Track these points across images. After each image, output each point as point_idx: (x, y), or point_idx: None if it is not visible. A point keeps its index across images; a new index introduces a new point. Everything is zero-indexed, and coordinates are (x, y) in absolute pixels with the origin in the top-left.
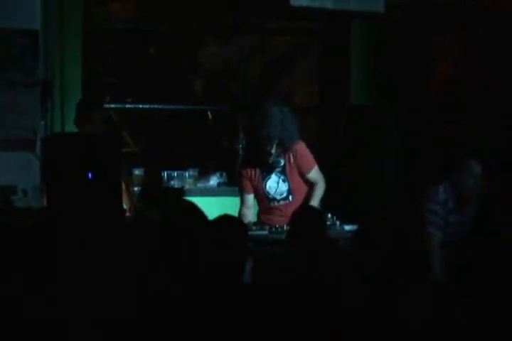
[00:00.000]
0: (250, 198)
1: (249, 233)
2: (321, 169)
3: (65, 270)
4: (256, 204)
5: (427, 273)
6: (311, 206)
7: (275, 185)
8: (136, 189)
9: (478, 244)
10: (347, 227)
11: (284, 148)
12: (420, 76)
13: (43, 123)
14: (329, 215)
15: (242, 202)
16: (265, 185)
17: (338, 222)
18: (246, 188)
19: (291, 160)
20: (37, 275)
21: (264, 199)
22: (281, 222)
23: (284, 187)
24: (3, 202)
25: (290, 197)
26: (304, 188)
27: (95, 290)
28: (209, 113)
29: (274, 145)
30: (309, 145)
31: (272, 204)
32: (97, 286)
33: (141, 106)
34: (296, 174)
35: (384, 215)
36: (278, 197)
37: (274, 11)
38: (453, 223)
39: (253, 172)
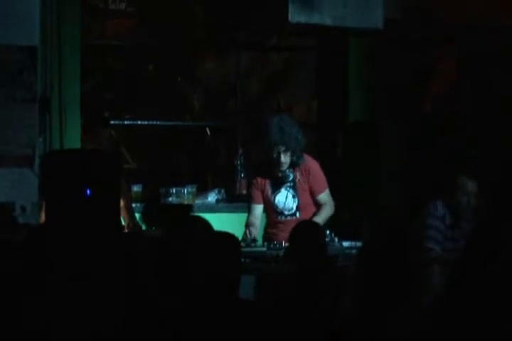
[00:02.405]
0: (259, 208)
1: (248, 249)
2: None
3: (62, 286)
4: (264, 217)
5: (423, 289)
6: (311, 221)
7: (284, 199)
8: (134, 205)
9: (474, 260)
10: (345, 244)
11: (294, 154)
12: (419, 89)
13: (41, 139)
14: (327, 232)
15: (250, 212)
16: (274, 199)
17: (336, 239)
18: (256, 198)
19: (303, 177)
20: (28, 293)
21: (272, 212)
22: (285, 237)
23: (292, 202)
24: (3, 218)
25: (298, 214)
26: (312, 207)
27: (92, 304)
28: (207, 129)
29: (282, 152)
30: None
31: (279, 218)
32: (93, 301)
33: (139, 122)
34: (306, 192)
35: (385, 231)
36: (286, 212)
37: (272, 28)
38: (450, 239)
39: (264, 183)
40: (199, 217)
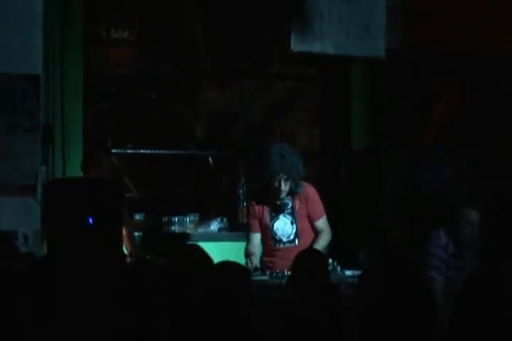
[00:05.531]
0: (257, 237)
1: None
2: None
3: (65, 315)
4: (260, 246)
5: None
6: (314, 250)
7: (282, 226)
8: (136, 234)
9: (477, 292)
10: (348, 272)
11: (294, 182)
12: (421, 119)
13: (43, 168)
14: (330, 260)
15: (249, 241)
16: (273, 226)
17: (339, 267)
18: (254, 227)
19: (301, 204)
20: (34, 323)
21: (269, 240)
22: (285, 265)
23: (291, 229)
24: (5, 247)
25: (296, 241)
26: (310, 234)
27: (96, 334)
28: (210, 158)
29: (283, 181)
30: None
31: (277, 245)
32: (97, 330)
33: (142, 151)
34: (305, 218)
35: (386, 259)
36: (284, 239)
37: (274, 56)
38: (453, 268)
39: (262, 211)
40: (196, 246)
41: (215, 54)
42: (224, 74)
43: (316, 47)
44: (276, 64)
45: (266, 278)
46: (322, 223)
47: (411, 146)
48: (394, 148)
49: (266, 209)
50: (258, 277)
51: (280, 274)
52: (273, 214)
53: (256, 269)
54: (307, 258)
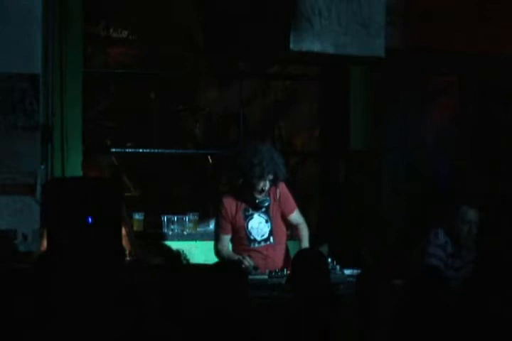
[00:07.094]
0: (227, 239)
1: (249, 277)
2: (323, 213)
3: (64, 315)
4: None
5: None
6: (314, 249)
7: (257, 225)
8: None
9: (476, 292)
10: (347, 272)
11: (276, 184)
12: (419, 119)
13: (43, 167)
14: (329, 260)
15: (218, 241)
16: (247, 225)
17: (338, 267)
18: (225, 229)
19: (275, 201)
20: (36, 320)
21: (243, 241)
22: (261, 264)
23: (266, 228)
24: (4, 246)
25: (271, 239)
26: (283, 230)
27: (94, 333)
28: (209, 157)
29: (268, 182)
30: (311, 190)
31: (251, 245)
32: (95, 330)
33: (141, 150)
34: (278, 215)
35: (387, 259)
36: (259, 239)
37: (274, 56)
38: (451, 267)
39: (235, 212)
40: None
41: (214, 54)
42: (224, 74)
43: (316, 46)
44: (276, 64)
45: (265, 277)
46: (297, 216)
47: (410, 146)
48: (393, 148)
49: (241, 209)
50: (257, 276)
51: (280, 273)
52: (247, 214)
53: (255, 268)
54: (307, 258)
